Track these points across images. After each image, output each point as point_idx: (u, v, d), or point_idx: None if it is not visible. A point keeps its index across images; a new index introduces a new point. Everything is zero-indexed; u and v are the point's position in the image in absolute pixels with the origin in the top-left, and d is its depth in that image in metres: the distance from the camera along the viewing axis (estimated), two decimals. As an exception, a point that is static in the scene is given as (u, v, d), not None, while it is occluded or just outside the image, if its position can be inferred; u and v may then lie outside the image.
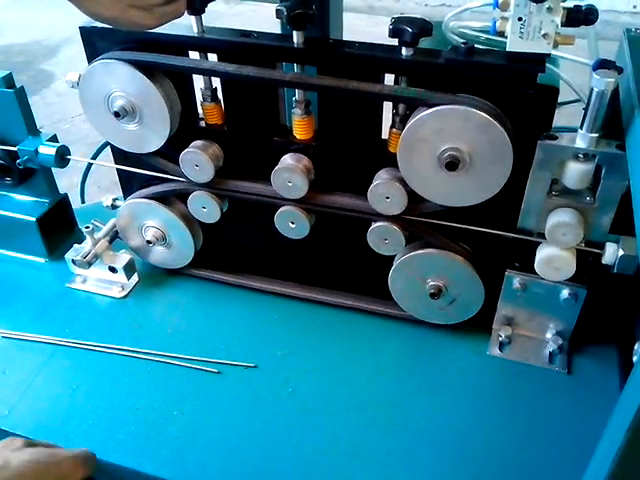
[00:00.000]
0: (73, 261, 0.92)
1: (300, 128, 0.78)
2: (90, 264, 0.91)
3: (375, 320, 0.89)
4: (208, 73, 0.76)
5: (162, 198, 0.89)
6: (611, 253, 0.71)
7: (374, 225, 0.80)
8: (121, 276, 0.94)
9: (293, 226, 0.83)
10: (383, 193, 0.75)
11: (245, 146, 0.82)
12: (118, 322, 0.91)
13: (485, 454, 0.73)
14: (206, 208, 0.86)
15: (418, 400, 0.79)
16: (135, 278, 0.96)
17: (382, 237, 0.80)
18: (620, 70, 0.66)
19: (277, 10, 0.69)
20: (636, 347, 0.61)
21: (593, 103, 0.65)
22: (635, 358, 0.60)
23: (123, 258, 0.94)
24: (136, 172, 0.88)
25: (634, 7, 3.16)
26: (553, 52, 0.66)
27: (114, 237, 0.95)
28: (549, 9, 0.61)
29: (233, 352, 0.85)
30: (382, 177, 0.76)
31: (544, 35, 0.63)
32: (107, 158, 0.95)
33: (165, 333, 0.89)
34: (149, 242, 0.91)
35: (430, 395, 0.80)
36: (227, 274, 0.96)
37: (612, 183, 0.69)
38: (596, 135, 0.67)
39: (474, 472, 0.72)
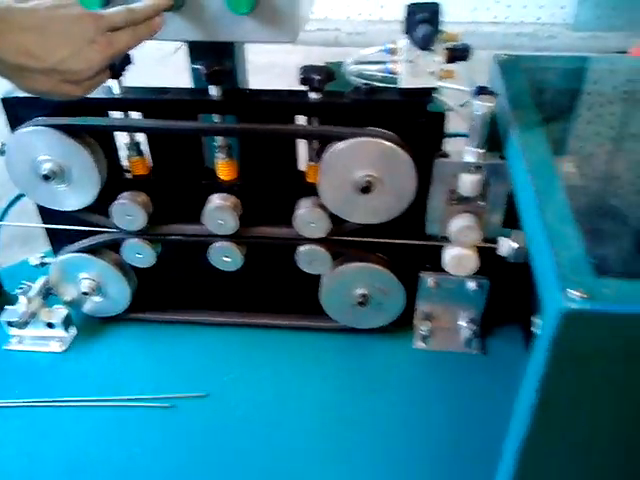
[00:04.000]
0: (9, 323, 0.93)
1: (224, 170, 0.85)
2: (27, 323, 0.92)
3: (311, 335, 0.97)
4: (136, 130, 0.81)
5: (94, 250, 0.92)
6: (506, 246, 0.84)
7: (301, 248, 0.88)
8: (59, 331, 0.96)
9: (228, 260, 0.89)
10: (307, 220, 0.84)
11: (173, 191, 0.88)
12: (64, 376, 0.92)
13: (426, 436, 0.83)
14: (141, 254, 0.90)
15: (361, 400, 0.88)
16: (73, 330, 0.98)
17: (310, 259, 0.88)
18: (496, 95, 0.79)
19: (195, 69, 0.77)
20: (535, 320, 0.73)
21: (477, 124, 0.77)
22: (534, 329, 0.72)
23: (60, 313, 0.96)
24: (66, 229, 0.91)
25: (495, 17, 3.52)
26: (438, 84, 0.78)
27: (47, 294, 0.96)
28: (433, 52, 0.73)
29: (183, 385, 0.90)
30: (304, 205, 0.85)
31: (431, 72, 0.75)
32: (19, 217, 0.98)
33: (113, 378, 0.92)
34: (85, 293, 0.94)
35: (371, 393, 0.89)
36: (164, 313, 1.00)
37: (499, 188, 0.82)
38: (482, 150, 0.80)
39: (418, 454, 0.81)
